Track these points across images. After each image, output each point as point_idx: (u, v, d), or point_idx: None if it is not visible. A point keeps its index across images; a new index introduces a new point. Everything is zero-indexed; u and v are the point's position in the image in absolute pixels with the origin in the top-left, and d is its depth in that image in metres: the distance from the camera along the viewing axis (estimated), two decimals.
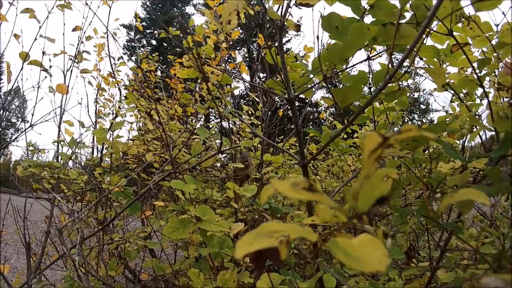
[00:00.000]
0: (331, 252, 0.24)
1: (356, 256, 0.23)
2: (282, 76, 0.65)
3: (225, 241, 1.12)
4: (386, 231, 0.33)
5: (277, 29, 0.65)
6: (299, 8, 0.53)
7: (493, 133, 0.75)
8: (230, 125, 1.67)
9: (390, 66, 0.42)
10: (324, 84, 0.60)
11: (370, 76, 0.76)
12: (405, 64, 0.52)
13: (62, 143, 1.29)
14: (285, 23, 0.66)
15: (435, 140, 0.59)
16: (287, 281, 0.76)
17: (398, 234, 0.98)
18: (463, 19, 0.64)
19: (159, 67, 1.73)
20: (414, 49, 0.49)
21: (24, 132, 1.12)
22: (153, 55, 2.33)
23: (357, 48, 0.43)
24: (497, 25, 0.75)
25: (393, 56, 0.67)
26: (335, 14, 0.59)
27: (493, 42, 0.73)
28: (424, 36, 0.81)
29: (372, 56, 0.61)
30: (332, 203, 0.22)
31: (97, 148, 1.68)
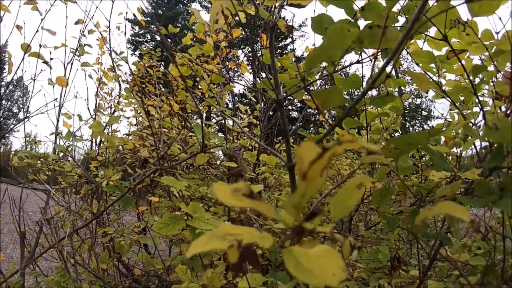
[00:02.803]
0: (284, 261, 0.23)
1: (308, 268, 0.22)
2: (272, 77, 0.64)
3: None
4: (354, 243, 0.32)
5: (268, 29, 0.64)
6: (284, 9, 0.52)
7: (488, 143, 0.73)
8: (227, 123, 1.67)
9: (373, 70, 0.41)
10: (307, 86, 0.59)
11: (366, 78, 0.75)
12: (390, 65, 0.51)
13: (59, 135, 1.30)
14: (277, 24, 0.65)
15: (424, 148, 0.57)
16: (270, 283, 0.75)
17: (383, 242, 0.96)
18: (458, 24, 0.62)
19: (158, 65, 1.73)
20: (404, 52, 0.48)
21: (22, 123, 1.13)
22: (156, 50, 2.33)
23: (340, 49, 0.42)
24: (497, 33, 0.73)
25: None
26: (325, 16, 0.58)
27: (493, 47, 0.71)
28: (421, 41, 0.79)
29: (363, 59, 0.59)
30: (271, 212, 0.22)
31: (95, 141, 1.69)
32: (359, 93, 0.60)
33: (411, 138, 0.43)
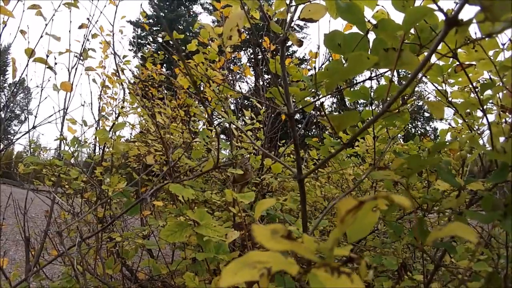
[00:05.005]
0: (310, 284, 0.25)
1: None
2: (283, 90, 0.65)
3: (221, 246, 1.12)
4: (369, 263, 0.33)
5: (279, 43, 0.65)
6: (299, 28, 0.53)
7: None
8: (232, 129, 1.68)
9: (388, 93, 0.42)
10: (318, 100, 0.60)
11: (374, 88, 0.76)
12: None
13: (64, 141, 1.30)
14: (288, 37, 0.66)
15: (433, 164, 0.59)
16: None
17: (387, 246, 0.98)
18: (468, 42, 0.63)
19: (162, 70, 1.73)
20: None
21: (28, 131, 1.14)
22: (158, 53, 2.33)
23: (357, 73, 0.44)
24: (503, 44, 0.75)
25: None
26: (338, 32, 0.59)
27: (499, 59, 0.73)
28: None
29: (374, 76, 0.61)
30: (309, 253, 0.23)
31: (99, 146, 1.69)
32: (367, 105, 0.61)
33: (424, 161, 0.45)
